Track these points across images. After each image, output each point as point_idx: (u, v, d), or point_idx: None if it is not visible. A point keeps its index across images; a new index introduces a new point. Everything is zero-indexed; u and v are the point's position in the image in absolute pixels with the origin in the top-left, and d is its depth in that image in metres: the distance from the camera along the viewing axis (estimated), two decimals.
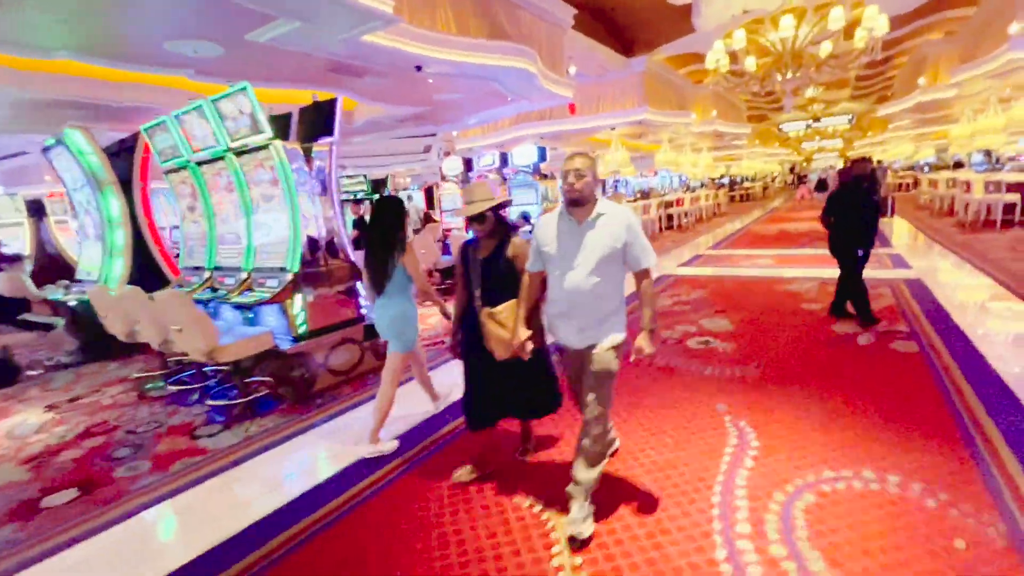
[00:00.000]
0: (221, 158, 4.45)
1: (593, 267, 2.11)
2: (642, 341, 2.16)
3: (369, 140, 12.61)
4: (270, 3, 3.64)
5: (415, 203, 13.14)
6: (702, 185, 31.07)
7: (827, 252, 4.98)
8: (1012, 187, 9.89)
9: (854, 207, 4.62)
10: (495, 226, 2.48)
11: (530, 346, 2.34)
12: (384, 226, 2.95)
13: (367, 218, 7.36)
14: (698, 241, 12.30)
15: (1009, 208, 10.02)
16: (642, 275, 2.21)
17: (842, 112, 19.37)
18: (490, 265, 2.47)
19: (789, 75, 7.48)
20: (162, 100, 5.92)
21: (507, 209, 3.20)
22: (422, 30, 5.17)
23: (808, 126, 19.88)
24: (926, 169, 24.97)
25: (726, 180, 31.50)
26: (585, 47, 9.89)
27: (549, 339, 2.55)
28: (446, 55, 5.47)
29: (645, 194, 19.71)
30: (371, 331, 4.42)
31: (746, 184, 31.80)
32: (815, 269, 7.51)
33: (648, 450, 2.86)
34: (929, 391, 3.30)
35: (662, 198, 15.94)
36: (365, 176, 9.39)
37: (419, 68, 5.57)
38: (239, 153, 4.30)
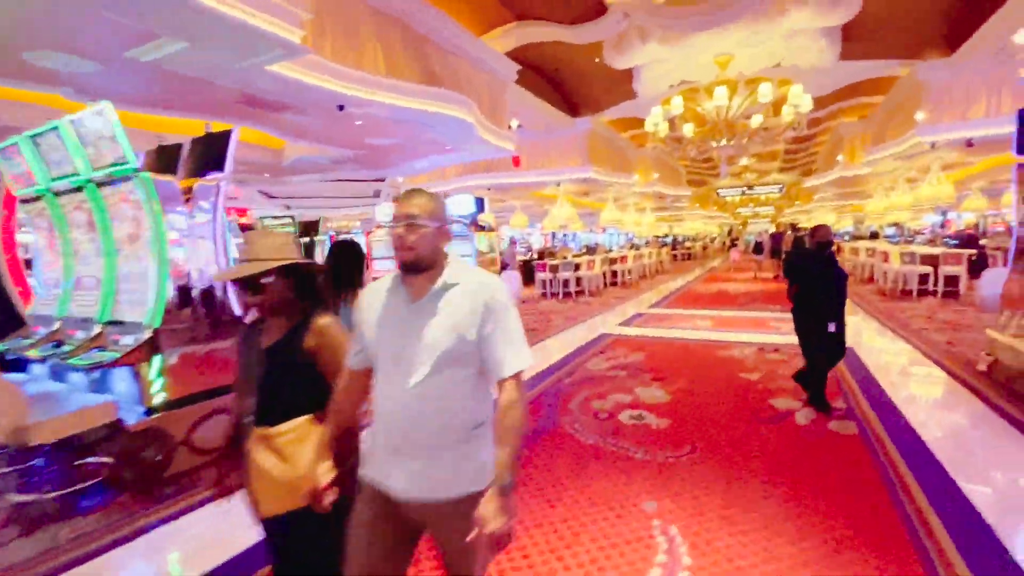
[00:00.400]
0: (81, 188, 3.75)
1: (431, 368, 1.35)
2: (486, 508, 1.29)
3: (314, 181, 12.04)
4: (144, 17, 3.13)
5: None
6: (647, 243, 32.32)
7: (763, 314, 4.79)
8: (925, 259, 10.52)
9: (821, 276, 4.20)
10: (285, 299, 1.64)
11: (331, 496, 1.47)
12: (338, 270, 2.64)
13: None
14: (641, 298, 12.27)
15: (923, 278, 10.63)
16: (505, 385, 1.39)
17: (773, 182, 20.83)
18: (275, 358, 1.63)
19: (723, 142, 7.70)
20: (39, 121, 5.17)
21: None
22: (345, 67, 4.80)
23: (743, 193, 21.19)
24: (846, 238, 27.06)
25: (670, 239, 32.93)
26: (531, 104, 9.96)
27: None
28: (372, 96, 5.11)
29: (591, 249, 20.02)
30: None
31: (687, 244, 33.27)
32: (752, 334, 7.43)
33: (560, 571, 2.30)
34: (873, 486, 2.96)
35: (607, 254, 16.09)
36: (293, 218, 8.73)
37: (341, 108, 5.16)
38: (101, 184, 3.63)
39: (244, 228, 8.63)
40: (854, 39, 8.17)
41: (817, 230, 4.41)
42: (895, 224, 27.47)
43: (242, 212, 15.47)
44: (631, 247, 22.50)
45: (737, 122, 7.64)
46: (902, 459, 3.27)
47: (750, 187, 21.13)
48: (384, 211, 7.81)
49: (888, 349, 6.28)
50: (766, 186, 21.00)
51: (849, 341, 6.80)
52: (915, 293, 10.63)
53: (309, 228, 9.10)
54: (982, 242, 13.27)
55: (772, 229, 35.37)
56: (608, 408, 4.45)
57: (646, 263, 18.23)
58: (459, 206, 7.02)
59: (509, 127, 8.08)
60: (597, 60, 8.99)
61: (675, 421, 4.10)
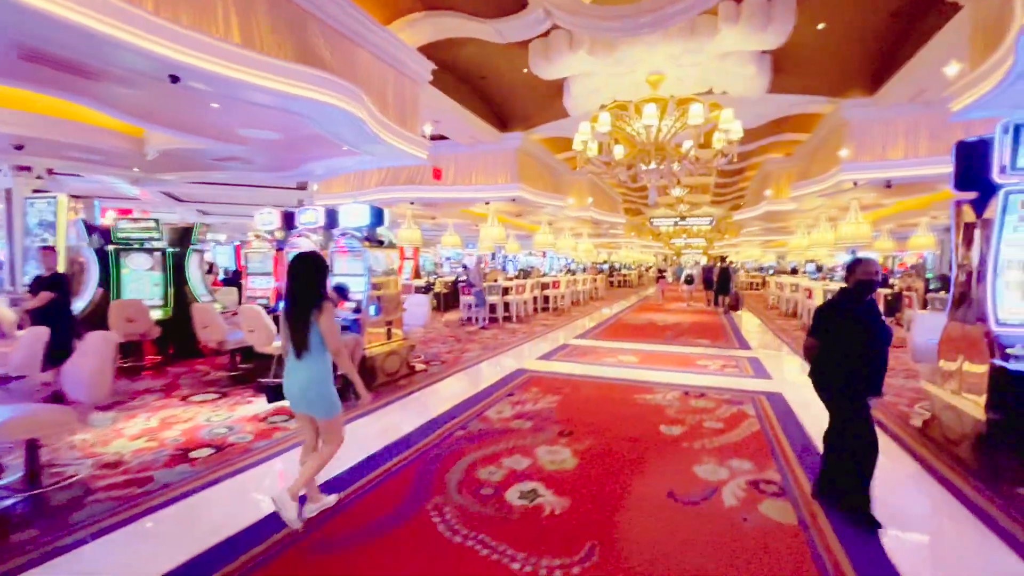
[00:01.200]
0: None
1: None
2: None
3: (227, 185, 10.46)
4: None
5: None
6: (584, 269, 32.36)
7: (690, 350, 4.03)
8: None
9: (859, 330, 2.92)
10: None
11: None
12: (303, 282, 2.68)
13: (64, 272, 5.34)
14: (570, 326, 11.56)
15: None
16: None
17: (704, 215, 21.31)
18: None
19: (653, 165, 7.19)
20: None
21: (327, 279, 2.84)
22: (173, 25, 3.67)
23: (676, 223, 21.50)
24: (771, 272, 28.30)
25: (606, 266, 33.19)
26: (457, 114, 9.12)
27: None
28: (217, 68, 3.99)
29: (527, 273, 19.38)
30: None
31: (624, 271, 33.66)
32: (678, 373, 6.80)
33: None
34: None
35: (540, 279, 15.41)
36: (157, 221, 7.25)
37: (175, 79, 4.00)
38: None
39: (92, 230, 7.03)
40: (783, 71, 8.01)
41: (859, 265, 3.03)
42: (811, 261, 29.25)
43: (125, 212, 13.43)
44: (568, 272, 22.18)
45: (667, 145, 7.18)
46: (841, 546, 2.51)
47: (683, 218, 21.47)
48: (265, 219, 6.54)
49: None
50: (697, 217, 21.42)
51: (777, 385, 6.43)
52: None
53: (183, 236, 7.61)
54: (892, 281, 13.79)
55: (704, 261, 36.84)
56: (497, 480, 3.47)
57: (580, 289, 17.74)
58: (349, 217, 5.94)
59: (421, 132, 7.14)
60: (525, 71, 8.33)
61: (576, 502, 3.18)
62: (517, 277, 15.09)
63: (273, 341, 5.48)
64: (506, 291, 12.46)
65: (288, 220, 6.48)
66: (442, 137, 10.98)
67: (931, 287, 9.83)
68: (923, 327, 4.66)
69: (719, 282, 15.20)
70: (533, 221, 16.46)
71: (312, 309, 2.60)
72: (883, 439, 4.31)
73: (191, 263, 7.63)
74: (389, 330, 6.18)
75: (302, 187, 14.39)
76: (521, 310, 12.79)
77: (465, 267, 16.25)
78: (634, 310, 15.71)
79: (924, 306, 9.59)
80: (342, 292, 5.53)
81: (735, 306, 14.82)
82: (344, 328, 5.53)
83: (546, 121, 10.44)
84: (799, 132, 11.20)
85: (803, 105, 9.30)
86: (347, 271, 6.00)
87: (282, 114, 5.18)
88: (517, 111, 10.13)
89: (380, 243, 6.15)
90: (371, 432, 4.42)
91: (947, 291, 10.81)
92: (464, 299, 12.20)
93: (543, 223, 15.80)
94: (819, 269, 24.27)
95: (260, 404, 5.13)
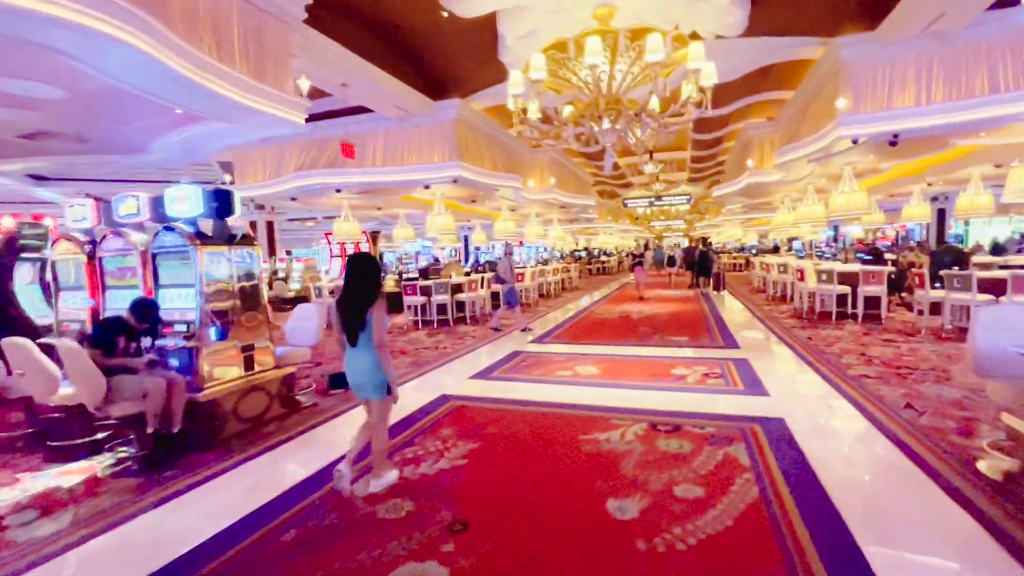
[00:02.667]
0: None
1: None
2: None
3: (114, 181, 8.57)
4: None
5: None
6: (561, 257, 30.83)
7: (666, 353, 2.84)
8: (843, 277, 9.13)
9: None
10: None
11: None
12: (363, 281, 3.00)
13: None
14: (529, 327, 9.98)
15: (841, 299, 9.26)
16: None
17: (681, 194, 19.79)
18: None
19: (607, 124, 5.60)
20: None
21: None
22: None
23: (651, 203, 19.99)
24: (754, 251, 27.03)
25: (583, 253, 31.66)
26: (363, 74, 7.36)
27: None
28: None
29: (493, 265, 17.77)
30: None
31: (603, 258, 32.18)
32: (647, 391, 5.25)
33: None
34: None
35: None
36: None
37: None
38: None
39: None
40: (762, 3, 6.42)
41: None
42: (795, 238, 27.96)
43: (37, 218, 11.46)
44: (540, 263, 20.63)
45: (623, 97, 5.60)
46: None
47: (658, 197, 19.97)
48: (76, 213, 4.78)
49: (836, 429, 4.23)
50: (674, 196, 19.93)
51: (776, 406, 4.65)
52: (834, 316, 9.20)
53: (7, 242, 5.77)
54: (889, 256, 12.44)
55: (685, 243, 35.48)
56: None
57: (550, 280, 16.15)
58: (175, 204, 4.22)
59: (297, 90, 5.41)
60: (445, 14, 6.61)
61: None
62: (482, 270, 13.52)
63: (59, 388, 3.78)
64: (457, 288, 10.83)
65: (106, 213, 4.72)
66: (365, 110, 9.22)
67: (943, 260, 8.42)
68: (991, 323, 3.14)
69: (700, 264, 14.87)
70: (493, 207, 14.78)
71: (369, 306, 2.92)
72: (932, 493, 2.80)
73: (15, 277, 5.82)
74: (248, 358, 4.50)
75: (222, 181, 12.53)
76: (477, 309, 11.17)
77: (489, 263, 14.29)
78: (609, 301, 14.17)
79: (935, 284, 8.21)
80: (143, 311, 3.85)
81: (717, 287, 14.59)
82: (151, 364, 3.84)
83: (487, 85, 8.75)
84: (784, 89, 9.69)
85: (789, 50, 7.74)
86: (177, 280, 4.30)
87: (42, 56, 3.47)
88: (449, 73, 8.42)
89: (231, 239, 4.45)
90: (141, 541, 2.77)
91: (962, 266, 9.47)
92: (409, 300, 10.53)
93: (504, 208, 14.12)
94: (806, 245, 23.14)
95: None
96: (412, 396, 5.26)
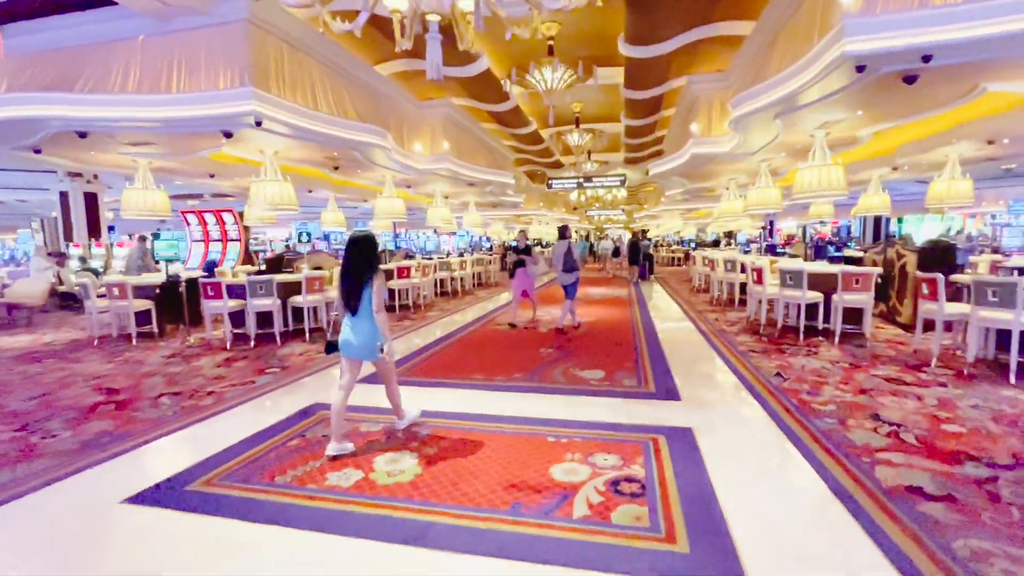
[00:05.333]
0: None
1: None
2: None
3: None
4: None
5: None
6: (491, 249, 27.85)
7: (556, 413, 2.21)
8: (816, 282, 6.67)
9: None
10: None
11: None
12: (361, 258, 3.28)
13: None
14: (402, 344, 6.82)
15: (811, 310, 6.83)
16: None
17: (615, 175, 17.25)
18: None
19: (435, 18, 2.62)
20: None
21: None
22: None
23: (580, 185, 17.35)
24: (693, 246, 25.19)
25: (515, 244, 28.82)
26: None
27: None
28: None
29: (410, 256, 14.55)
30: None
31: (539, 249, 29.48)
32: (489, 538, 2.23)
33: None
34: None
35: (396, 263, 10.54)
36: None
37: None
38: None
39: None
40: None
41: None
42: (729, 233, 26.31)
43: None
44: (460, 253, 17.58)
45: None
46: None
47: (588, 179, 17.33)
48: None
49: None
50: (606, 177, 17.36)
51: (688, 414, 1.99)
52: (802, 333, 6.75)
53: None
54: (850, 252, 10.33)
55: (628, 235, 33.44)
56: None
57: (456, 275, 13.04)
58: None
59: None
60: None
61: None
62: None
63: None
64: (286, 291, 7.49)
65: None
66: (109, 2, 5.65)
67: (959, 262, 6.06)
68: None
69: (630, 254, 15.66)
70: (377, 181, 11.41)
71: (368, 278, 3.25)
72: None
73: None
74: None
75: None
76: (323, 318, 7.88)
77: (511, 247, 10.27)
78: (518, 305, 11.26)
79: (954, 295, 5.86)
80: None
81: (643, 275, 15.69)
82: None
83: None
84: (742, 18, 7.06)
85: None
86: None
87: None
88: None
89: None
90: None
91: (952, 269, 7.13)
92: (213, 307, 7.08)
93: (387, 182, 10.80)
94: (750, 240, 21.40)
95: None
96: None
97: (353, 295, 3.25)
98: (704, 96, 9.04)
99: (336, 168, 9.72)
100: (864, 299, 6.33)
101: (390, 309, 10.01)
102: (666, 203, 20.27)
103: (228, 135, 6.56)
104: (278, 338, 7.24)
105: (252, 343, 7.03)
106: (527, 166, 18.69)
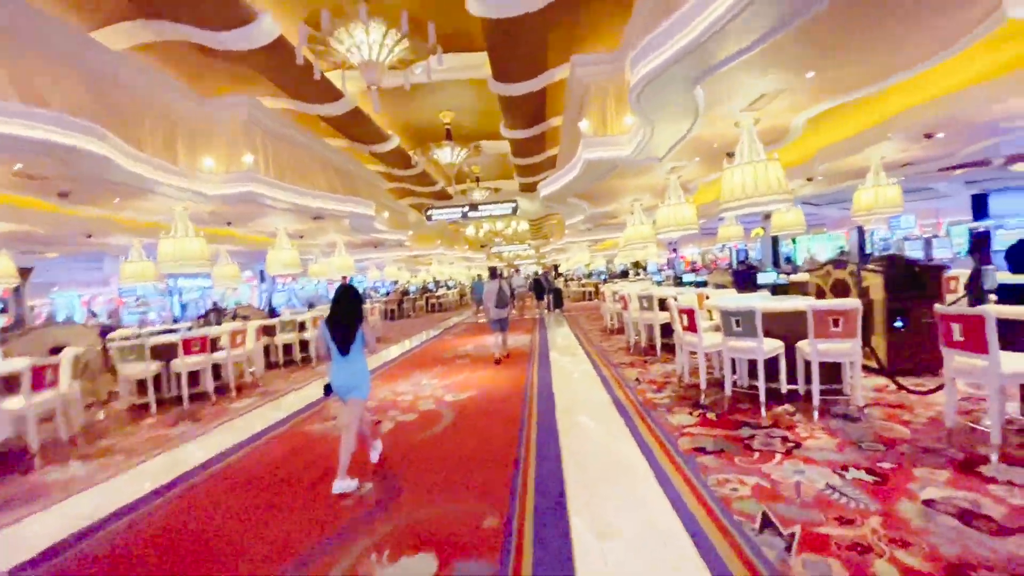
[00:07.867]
0: None
1: None
2: None
3: None
4: None
5: None
6: (388, 293, 24.64)
7: None
8: (773, 324, 4.51)
9: None
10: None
11: None
12: (351, 305, 3.70)
13: None
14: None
15: (770, 365, 4.63)
16: None
17: (506, 200, 15.06)
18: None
19: None
20: None
21: None
22: None
23: (464, 215, 14.94)
24: (603, 278, 23.70)
25: (414, 288, 25.79)
26: None
27: None
28: None
29: (312, 306, 10.82)
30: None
31: (440, 293, 26.57)
32: None
33: None
34: None
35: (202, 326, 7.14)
36: None
37: None
38: None
39: None
40: None
41: None
42: (637, 264, 25.16)
43: None
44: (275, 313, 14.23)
45: None
46: None
47: (473, 207, 14.97)
48: None
49: None
50: (494, 204, 15.06)
51: None
52: (763, 402, 4.51)
53: None
54: (798, 278, 8.64)
55: (540, 270, 31.58)
56: None
57: (279, 343, 9.60)
58: None
59: None
60: None
61: None
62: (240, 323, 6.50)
63: None
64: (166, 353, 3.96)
65: None
66: None
67: (898, 286, 4.14)
68: None
69: (535, 290, 16.23)
70: (268, 232, 8.03)
71: (358, 323, 3.67)
72: None
73: None
74: None
75: None
76: (68, 419, 4.36)
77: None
78: (395, 366, 8.26)
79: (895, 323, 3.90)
80: None
81: (549, 307, 16.02)
82: None
83: None
84: None
85: None
86: None
87: None
88: None
89: None
90: None
91: (923, 294, 4.83)
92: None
93: (280, 233, 7.49)
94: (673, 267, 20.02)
95: None
96: None
97: (346, 338, 3.63)
98: (595, 85, 7.00)
99: (64, 195, 6.30)
100: (848, 349, 4.21)
101: (178, 400, 6.61)
102: (570, 234, 18.52)
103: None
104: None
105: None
106: (410, 198, 16.03)
